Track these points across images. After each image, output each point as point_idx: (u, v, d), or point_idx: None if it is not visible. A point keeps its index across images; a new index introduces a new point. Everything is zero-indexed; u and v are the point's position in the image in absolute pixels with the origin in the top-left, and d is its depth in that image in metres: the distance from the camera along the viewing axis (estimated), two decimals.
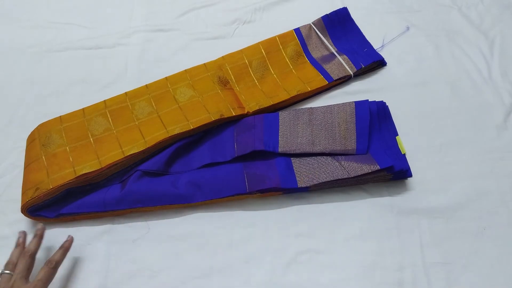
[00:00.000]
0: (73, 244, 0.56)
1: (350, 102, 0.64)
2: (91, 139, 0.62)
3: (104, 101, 0.66)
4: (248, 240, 0.58)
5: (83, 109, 0.65)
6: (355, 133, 0.62)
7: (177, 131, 0.62)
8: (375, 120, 0.64)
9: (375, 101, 0.65)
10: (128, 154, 0.60)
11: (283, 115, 0.65)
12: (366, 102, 0.64)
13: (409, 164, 0.61)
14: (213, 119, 0.64)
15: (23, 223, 0.60)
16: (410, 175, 0.60)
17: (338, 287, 0.54)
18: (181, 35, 0.81)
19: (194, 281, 0.55)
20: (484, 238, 0.57)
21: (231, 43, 0.78)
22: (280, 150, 0.62)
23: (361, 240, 0.57)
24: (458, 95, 0.71)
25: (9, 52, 0.78)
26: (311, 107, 0.65)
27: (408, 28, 0.73)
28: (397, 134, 0.65)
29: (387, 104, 0.67)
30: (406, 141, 0.65)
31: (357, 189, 0.61)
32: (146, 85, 0.68)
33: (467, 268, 0.55)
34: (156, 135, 0.62)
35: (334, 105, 0.65)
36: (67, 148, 0.61)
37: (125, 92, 0.67)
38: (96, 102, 0.66)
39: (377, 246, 0.57)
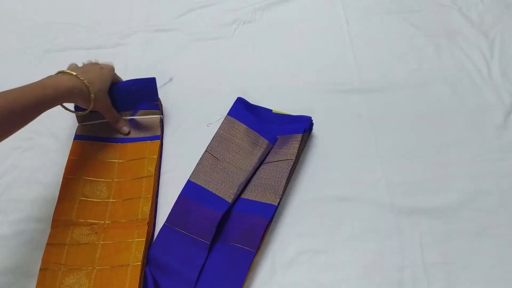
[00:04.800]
0: None
1: (225, 118, 0.66)
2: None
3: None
4: None
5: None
6: (256, 132, 0.64)
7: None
8: (252, 112, 0.67)
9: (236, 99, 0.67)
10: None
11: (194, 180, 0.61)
12: (232, 107, 0.66)
13: (409, 164, 0.61)
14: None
15: (23, 223, 0.60)
16: (311, 122, 0.65)
17: (338, 287, 0.54)
18: (181, 35, 0.81)
19: None
20: (484, 238, 0.57)
21: (231, 43, 0.78)
22: (230, 200, 0.58)
23: (361, 240, 0.57)
24: (458, 95, 0.71)
25: (9, 52, 0.78)
26: (208, 153, 0.63)
27: (171, 79, 0.72)
28: (271, 109, 0.68)
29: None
30: (406, 141, 0.65)
31: (357, 189, 0.61)
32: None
33: (467, 268, 0.55)
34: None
35: (215, 135, 0.64)
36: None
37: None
38: None
39: (377, 246, 0.57)
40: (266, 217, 0.56)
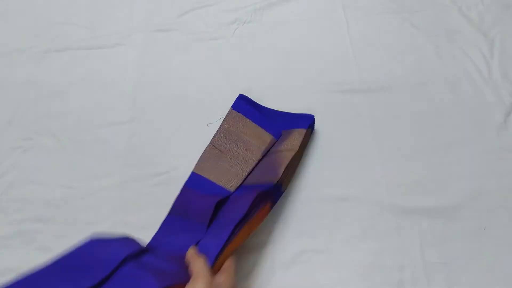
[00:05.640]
0: None
1: (229, 112, 0.66)
2: None
3: None
4: (248, 239, 0.58)
5: None
6: (261, 127, 0.65)
7: None
8: (256, 108, 0.67)
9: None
10: None
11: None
12: (236, 102, 0.67)
13: (409, 164, 0.62)
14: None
15: (23, 223, 0.60)
16: (314, 120, 0.66)
17: (338, 287, 0.54)
18: (181, 35, 0.81)
19: None
20: (484, 238, 0.57)
21: (231, 43, 0.78)
22: (232, 189, 0.59)
23: (361, 240, 0.57)
24: (458, 95, 0.71)
25: (9, 52, 0.78)
26: (212, 145, 0.64)
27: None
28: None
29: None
30: (406, 141, 0.65)
31: (357, 189, 0.61)
32: None
33: (467, 268, 0.55)
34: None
35: (219, 128, 0.65)
36: None
37: None
38: (96, 102, 0.66)
39: (377, 246, 0.57)
40: (259, 189, 0.55)
